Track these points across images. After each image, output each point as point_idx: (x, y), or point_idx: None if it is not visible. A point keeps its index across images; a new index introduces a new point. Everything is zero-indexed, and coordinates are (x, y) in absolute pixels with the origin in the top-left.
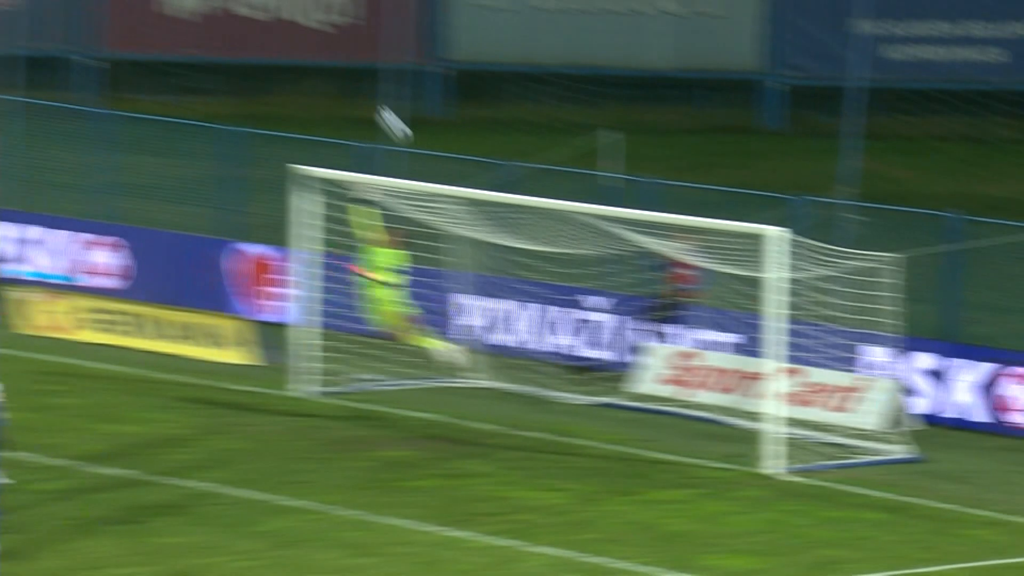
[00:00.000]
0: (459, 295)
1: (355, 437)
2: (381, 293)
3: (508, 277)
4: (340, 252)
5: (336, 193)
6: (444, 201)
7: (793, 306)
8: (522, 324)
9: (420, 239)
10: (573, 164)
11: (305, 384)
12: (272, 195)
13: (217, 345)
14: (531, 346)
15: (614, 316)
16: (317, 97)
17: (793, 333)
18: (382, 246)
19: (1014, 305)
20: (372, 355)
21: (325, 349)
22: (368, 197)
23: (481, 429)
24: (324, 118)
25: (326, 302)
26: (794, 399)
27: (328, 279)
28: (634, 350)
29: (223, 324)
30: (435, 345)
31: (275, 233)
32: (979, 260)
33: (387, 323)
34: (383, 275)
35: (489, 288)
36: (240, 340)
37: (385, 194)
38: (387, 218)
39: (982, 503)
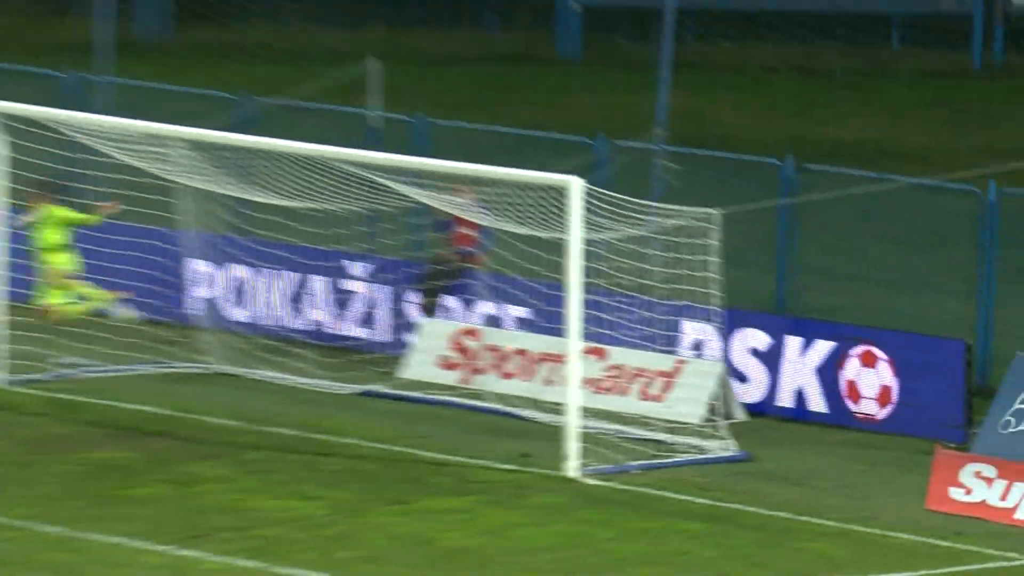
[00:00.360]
0: (189, 260)
1: (59, 435)
2: (50, 257)
3: (249, 238)
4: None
5: (27, 133)
6: (165, 144)
7: (596, 273)
8: (267, 296)
9: (139, 192)
10: (330, 100)
11: None
12: None
13: None
14: (278, 323)
15: (380, 286)
16: (10, 16)
17: (596, 306)
18: (32, 205)
19: (858, 271)
20: (77, 334)
21: (14, 327)
22: None
23: (216, 425)
24: (16, 41)
25: (15, 268)
26: (597, 386)
27: (17, 239)
28: (405, 328)
29: None
30: (96, 300)
31: None
32: (816, 217)
33: (47, 291)
34: (49, 235)
35: (225, 252)
36: None
37: (87, 134)
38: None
39: (820, 510)
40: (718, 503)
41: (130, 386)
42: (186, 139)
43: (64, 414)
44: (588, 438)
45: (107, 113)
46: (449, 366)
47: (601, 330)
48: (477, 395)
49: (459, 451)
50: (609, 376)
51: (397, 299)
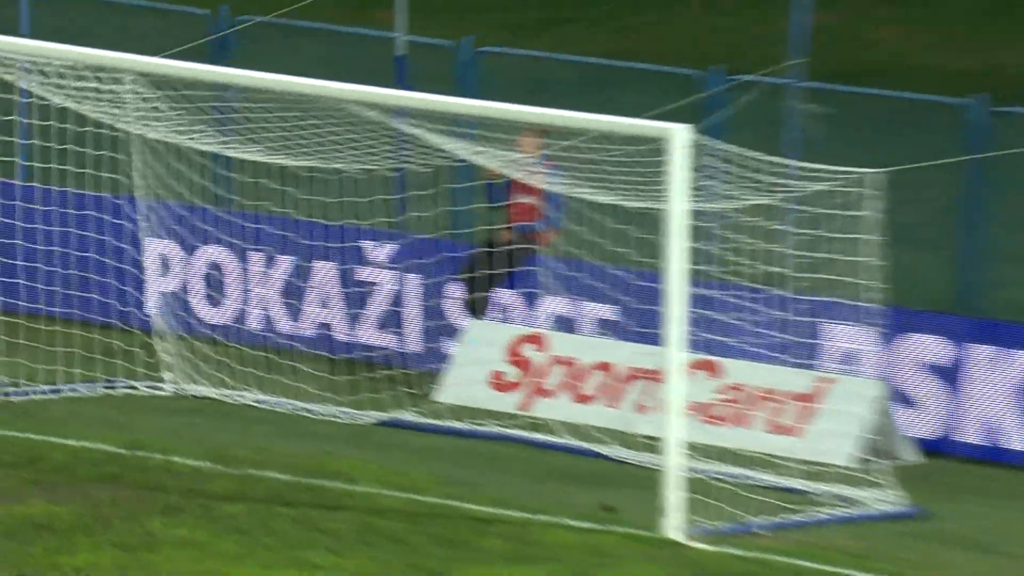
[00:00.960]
0: (146, 240)
1: None
2: None
3: (229, 210)
4: None
5: None
6: (115, 79)
7: (708, 258)
8: (253, 289)
9: (77, 146)
10: (340, 19)
11: None
12: None
13: None
14: (268, 326)
15: (410, 276)
16: None
17: (707, 303)
18: None
19: None
20: None
21: None
22: None
23: (181, 467)
24: None
25: None
26: (708, 414)
27: None
28: (444, 333)
29: None
30: None
31: None
32: (1017, 179)
33: None
34: None
35: (196, 228)
36: None
37: (6, 66)
38: None
39: None
40: None
41: (66, 414)
42: (143, 72)
43: None
44: (696, 486)
45: (35, 37)
46: (503, 386)
47: (714, 336)
48: (542, 426)
49: (517, 503)
50: (725, 400)
51: (433, 293)
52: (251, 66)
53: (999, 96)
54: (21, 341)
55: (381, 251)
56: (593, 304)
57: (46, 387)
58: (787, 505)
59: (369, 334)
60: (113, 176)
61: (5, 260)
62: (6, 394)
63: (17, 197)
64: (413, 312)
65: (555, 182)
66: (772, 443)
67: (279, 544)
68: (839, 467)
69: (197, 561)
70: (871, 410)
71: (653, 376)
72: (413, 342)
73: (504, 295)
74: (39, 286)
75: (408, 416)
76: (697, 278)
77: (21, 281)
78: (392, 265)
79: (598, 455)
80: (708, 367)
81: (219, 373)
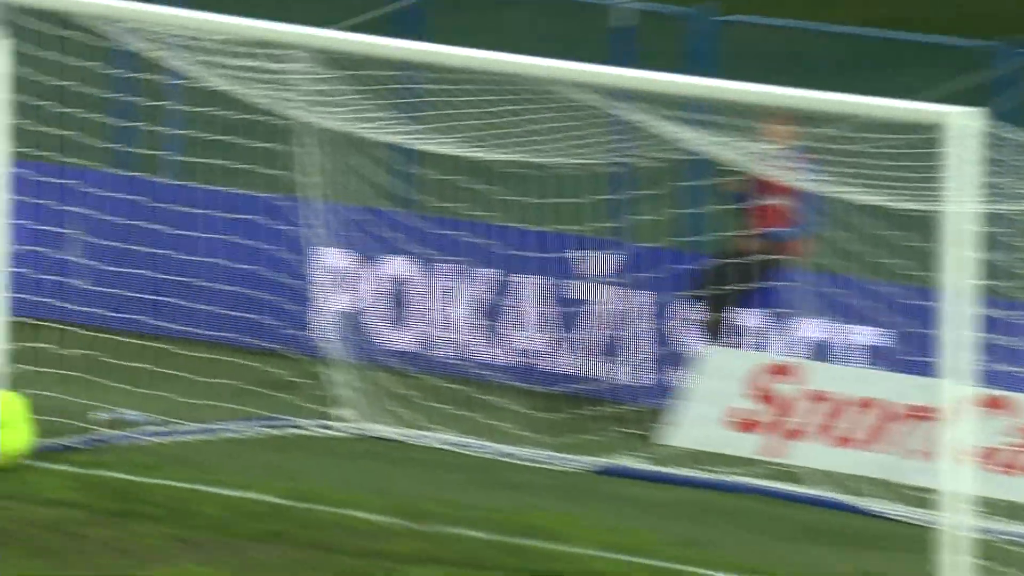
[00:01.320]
0: (316, 250)
1: (100, 540)
2: None
3: (416, 214)
4: (79, 164)
5: (47, 38)
6: (282, 57)
7: (997, 272)
8: (443, 308)
9: (234, 137)
10: None
11: None
12: None
13: None
14: (461, 353)
15: (631, 292)
16: None
17: (1000, 326)
18: None
19: None
20: (127, 371)
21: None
22: None
23: (357, 522)
24: None
25: (28, 261)
26: (1000, 461)
27: (36, 214)
28: (672, 361)
29: None
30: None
31: None
32: None
33: None
34: None
35: (376, 237)
36: None
37: (154, 40)
38: None
39: None
40: None
41: (220, 458)
42: (317, 48)
43: (106, 504)
44: (982, 549)
45: (188, 6)
46: (743, 425)
47: (1003, 366)
48: (790, 474)
49: (762, 568)
50: (1017, 444)
51: (659, 314)
52: (444, 41)
53: None
54: (166, 371)
55: (596, 263)
56: (855, 327)
57: (196, 426)
58: None
59: (581, 363)
60: (278, 173)
61: (155, 275)
62: (150, 435)
63: (164, 199)
64: (634, 337)
65: (810, 179)
66: None
67: None
68: None
69: None
70: None
71: (929, 415)
72: (634, 373)
73: (745, 316)
74: (192, 304)
75: (628, 462)
76: (987, 296)
77: (169, 299)
78: (610, 280)
79: (860, 510)
80: (996, 404)
81: (403, 409)
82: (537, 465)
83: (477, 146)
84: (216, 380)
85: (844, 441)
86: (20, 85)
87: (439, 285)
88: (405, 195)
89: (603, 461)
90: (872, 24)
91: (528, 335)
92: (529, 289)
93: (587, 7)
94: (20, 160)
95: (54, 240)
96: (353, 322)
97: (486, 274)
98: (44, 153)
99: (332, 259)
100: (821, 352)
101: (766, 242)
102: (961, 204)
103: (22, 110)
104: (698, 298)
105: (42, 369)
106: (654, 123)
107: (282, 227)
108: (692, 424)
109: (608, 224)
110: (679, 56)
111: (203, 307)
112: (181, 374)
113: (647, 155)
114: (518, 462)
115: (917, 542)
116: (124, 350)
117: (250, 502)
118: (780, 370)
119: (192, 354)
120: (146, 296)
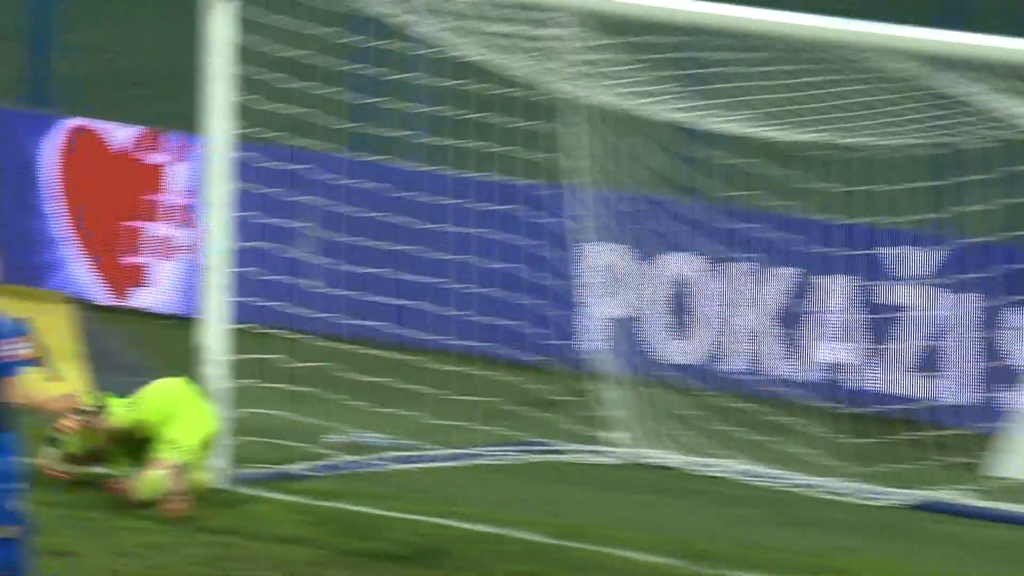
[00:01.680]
0: (582, 246)
1: None
2: None
3: (706, 204)
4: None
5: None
6: (543, 21)
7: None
8: (735, 315)
9: (490, 114)
10: None
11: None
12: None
13: None
14: (754, 368)
15: (957, 296)
16: None
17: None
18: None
19: None
20: (367, 385)
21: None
22: None
23: (633, 563)
24: None
25: (254, 259)
26: None
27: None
28: (1004, 378)
29: None
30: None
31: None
32: None
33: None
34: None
35: (656, 232)
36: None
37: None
38: None
39: None
40: None
41: (468, 488)
42: (589, 10)
43: (342, 541)
44: None
45: None
46: None
47: None
48: None
49: None
50: None
51: (988, 321)
52: (735, 2)
53: None
54: (410, 387)
55: (914, 261)
56: None
57: (444, 451)
58: None
59: (895, 379)
60: (540, 157)
61: (398, 275)
62: (392, 461)
63: (409, 187)
64: (961, 348)
65: None
66: None
67: None
68: None
69: None
70: None
71: None
72: (960, 391)
73: None
74: (440, 310)
75: (952, 496)
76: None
77: (414, 304)
78: (933, 281)
79: None
80: None
81: (683, 432)
82: (843, 499)
83: (772, 124)
84: (467, 398)
85: None
86: (246, 56)
87: (728, 287)
88: (688, 182)
89: (922, 495)
90: None
91: (833, 346)
92: (834, 292)
93: None
94: (245, 143)
95: (283, 235)
96: (627, 330)
97: (783, 274)
98: (272, 134)
99: (602, 257)
100: None
101: None
102: None
103: (248, 85)
104: None
105: (269, 384)
106: (984, 96)
107: (545, 220)
108: None
109: (928, 215)
110: (1016, 16)
111: (453, 313)
112: (427, 391)
113: (975, 134)
114: (820, 495)
115: None
116: (362, 363)
117: (505, 539)
118: None
119: (440, 368)
120: (388, 300)
